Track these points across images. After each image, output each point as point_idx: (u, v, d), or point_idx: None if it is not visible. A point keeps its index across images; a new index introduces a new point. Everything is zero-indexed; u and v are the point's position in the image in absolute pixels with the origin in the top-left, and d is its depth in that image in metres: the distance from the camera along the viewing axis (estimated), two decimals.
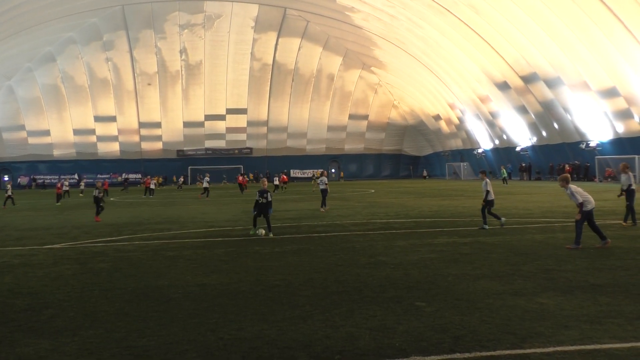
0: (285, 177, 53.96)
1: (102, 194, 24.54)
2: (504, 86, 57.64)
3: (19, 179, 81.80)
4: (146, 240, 16.20)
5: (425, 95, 76.52)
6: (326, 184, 27.00)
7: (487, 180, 17.45)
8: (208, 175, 45.60)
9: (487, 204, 16.99)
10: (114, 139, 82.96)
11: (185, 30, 74.06)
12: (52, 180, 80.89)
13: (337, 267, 10.90)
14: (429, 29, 56.92)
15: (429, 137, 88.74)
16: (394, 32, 62.48)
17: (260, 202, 16.48)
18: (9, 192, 36.67)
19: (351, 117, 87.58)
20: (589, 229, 12.68)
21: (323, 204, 25.97)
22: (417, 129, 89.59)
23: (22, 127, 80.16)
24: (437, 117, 79.72)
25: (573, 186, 12.63)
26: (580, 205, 12.32)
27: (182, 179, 71.34)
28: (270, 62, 79.45)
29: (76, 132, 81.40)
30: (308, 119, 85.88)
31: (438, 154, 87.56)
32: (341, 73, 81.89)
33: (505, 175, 55.59)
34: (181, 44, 75.79)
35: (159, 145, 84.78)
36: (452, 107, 72.74)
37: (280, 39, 76.26)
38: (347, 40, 73.89)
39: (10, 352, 6.18)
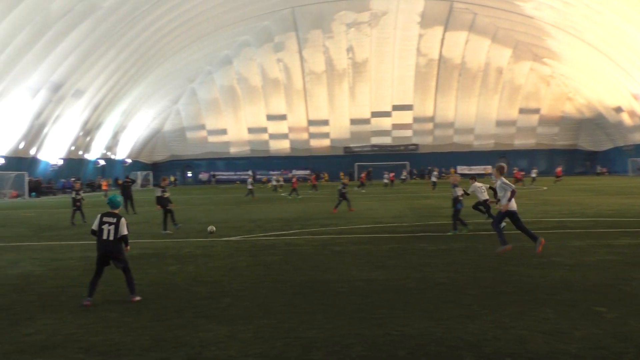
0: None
1: (344, 189, 25.61)
2: None
3: (200, 175, 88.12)
4: (314, 234, 16.68)
5: (604, 85, 71.25)
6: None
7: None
8: (437, 170, 48.29)
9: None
10: (284, 136, 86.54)
11: (352, 29, 75.23)
12: (230, 177, 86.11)
13: (505, 267, 10.52)
14: (609, 14, 52.89)
15: (609, 131, 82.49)
16: (569, 20, 58.87)
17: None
18: (250, 186, 39.88)
19: (521, 111, 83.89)
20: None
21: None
22: (595, 122, 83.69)
23: (203, 127, 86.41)
24: (619, 109, 73.89)
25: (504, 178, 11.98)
26: (513, 192, 11.61)
27: (405, 173, 66.31)
28: (437, 57, 78.39)
29: (250, 130, 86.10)
30: (475, 114, 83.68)
31: (619, 148, 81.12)
32: (510, 66, 78.71)
33: None
34: (348, 43, 77.11)
35: (326, 142, 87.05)
36: (636, 97, 67.07)
37: (446, 33, 74.97)
38: (517, 31, 70.85)
39: (194, 336, 6.65)
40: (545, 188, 43.04)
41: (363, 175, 51.20)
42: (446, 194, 33.18)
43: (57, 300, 8.74)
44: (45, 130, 55.55)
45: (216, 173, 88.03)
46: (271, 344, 6.24)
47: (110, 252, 8.40)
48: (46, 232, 19.66)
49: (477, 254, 12.09)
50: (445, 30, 74.67)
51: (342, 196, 25.37)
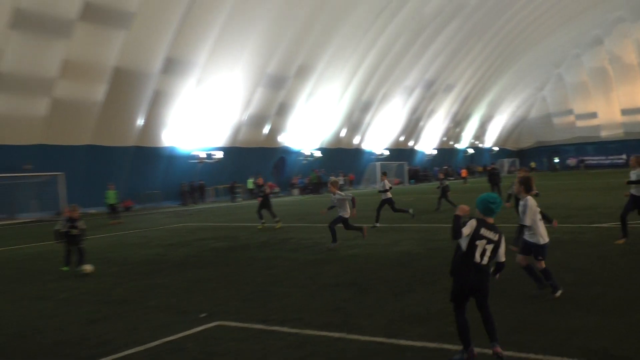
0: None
1: None
2: None
3: (567, 161, 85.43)
4: None
5: None
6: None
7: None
8: None
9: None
10: None
11: None
12: (600, 162, 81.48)
13: None
14: None
15: None
16: None
17: None
18: None
19: None
20: None
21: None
22: None
23: (570, 112, 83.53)
24: None
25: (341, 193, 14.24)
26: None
27: None
28: None
29: (624, 112, 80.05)
30: None
31: None
32: None
33: None
34: None
35: None
36: None
37: None
38: None
39: (560, 322, 6.69)
40: None
41: None
42: None
43: (432, 278, 9.56)
44: (420, 124, 60.93)
45: (585, 158, 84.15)
46: None
47: (481, 282, 5.50)
48: (423, 215, 21.71)
49: None
50: None
51: None
